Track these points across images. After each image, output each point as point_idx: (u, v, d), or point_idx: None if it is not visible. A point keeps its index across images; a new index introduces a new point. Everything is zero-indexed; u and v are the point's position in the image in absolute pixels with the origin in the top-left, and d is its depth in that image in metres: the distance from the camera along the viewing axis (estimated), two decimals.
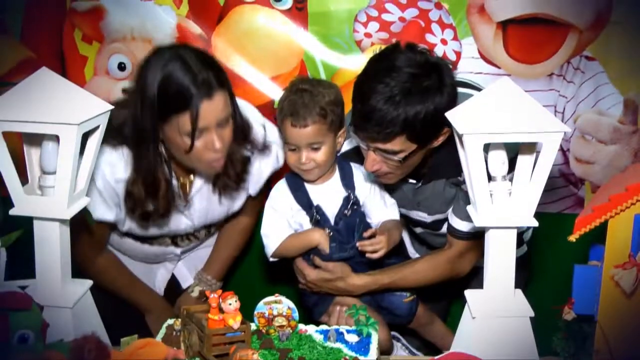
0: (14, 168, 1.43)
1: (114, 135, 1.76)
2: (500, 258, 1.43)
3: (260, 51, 2.48)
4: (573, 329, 1.45)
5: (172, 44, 1.74)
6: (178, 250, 2.17)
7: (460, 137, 1.37)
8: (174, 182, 1.89)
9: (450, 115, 1.44)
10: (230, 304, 1.41)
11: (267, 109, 2.51)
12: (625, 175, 1.53)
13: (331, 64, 2.49)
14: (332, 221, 1.89)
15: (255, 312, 1.55)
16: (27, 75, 2.71)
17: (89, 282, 1.55)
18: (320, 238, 1.88)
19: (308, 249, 1.91)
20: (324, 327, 1.61)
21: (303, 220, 1.91)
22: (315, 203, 1.89)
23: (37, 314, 1.19)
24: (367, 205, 1.93)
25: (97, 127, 1.49)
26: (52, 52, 2.54)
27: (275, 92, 2.50)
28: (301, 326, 1.59)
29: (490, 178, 1.42)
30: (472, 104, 1.41)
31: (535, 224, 1.41)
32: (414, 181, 1.94)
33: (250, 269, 2.52)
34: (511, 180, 1.45)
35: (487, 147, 1.38)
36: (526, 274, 2.19)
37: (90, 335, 1.08)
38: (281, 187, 1.93)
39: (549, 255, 2.42)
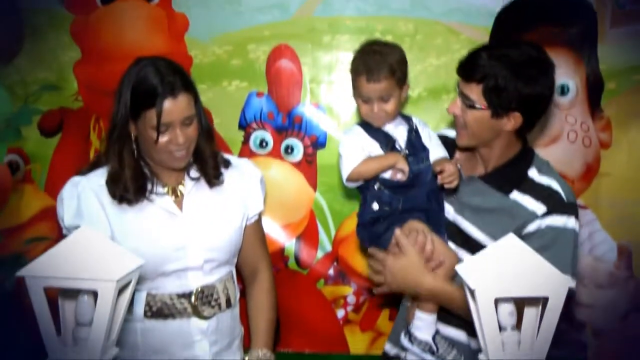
0: (52, 322, 1.49)
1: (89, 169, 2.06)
2: None
3: (272, 200, 2.57)
4: None
5: (150, 56, 2.03)
6: (204, 325, 2.05)
7: (472, 291, 1.47)
8: (163, 190, 2.05)
9: (460, 269, 1.54)
10: None
11: (278, 255, 2.62)
12: None
13: (339, 212, 2.61)
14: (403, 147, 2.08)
15: None
16: (48, 221, 2.82)
17: None
18: (397, 158, 2.04)
19: (385, 169, 2.04)
20: None
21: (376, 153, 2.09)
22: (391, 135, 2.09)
23: None
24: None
25: (130, 281, 1.58)
26: None
27: (285, 240, 2.62)
28: None
29: (500, 329, 1.50)
30: (482, 259, 1.52)
31: None
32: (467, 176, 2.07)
33: None
34: None
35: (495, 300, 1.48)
36: None
37: None
38: (356, 130, 2.12)
39: None
